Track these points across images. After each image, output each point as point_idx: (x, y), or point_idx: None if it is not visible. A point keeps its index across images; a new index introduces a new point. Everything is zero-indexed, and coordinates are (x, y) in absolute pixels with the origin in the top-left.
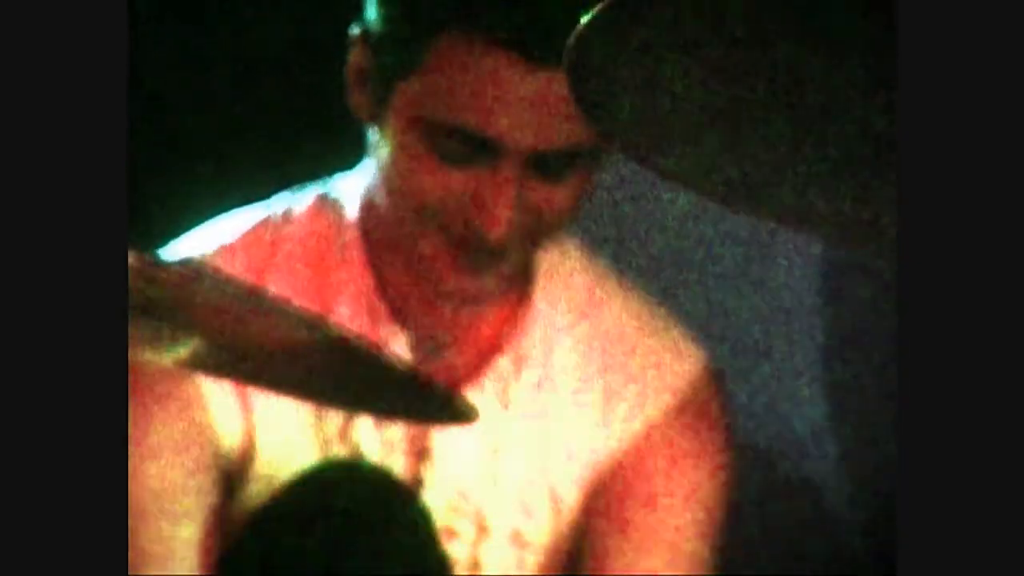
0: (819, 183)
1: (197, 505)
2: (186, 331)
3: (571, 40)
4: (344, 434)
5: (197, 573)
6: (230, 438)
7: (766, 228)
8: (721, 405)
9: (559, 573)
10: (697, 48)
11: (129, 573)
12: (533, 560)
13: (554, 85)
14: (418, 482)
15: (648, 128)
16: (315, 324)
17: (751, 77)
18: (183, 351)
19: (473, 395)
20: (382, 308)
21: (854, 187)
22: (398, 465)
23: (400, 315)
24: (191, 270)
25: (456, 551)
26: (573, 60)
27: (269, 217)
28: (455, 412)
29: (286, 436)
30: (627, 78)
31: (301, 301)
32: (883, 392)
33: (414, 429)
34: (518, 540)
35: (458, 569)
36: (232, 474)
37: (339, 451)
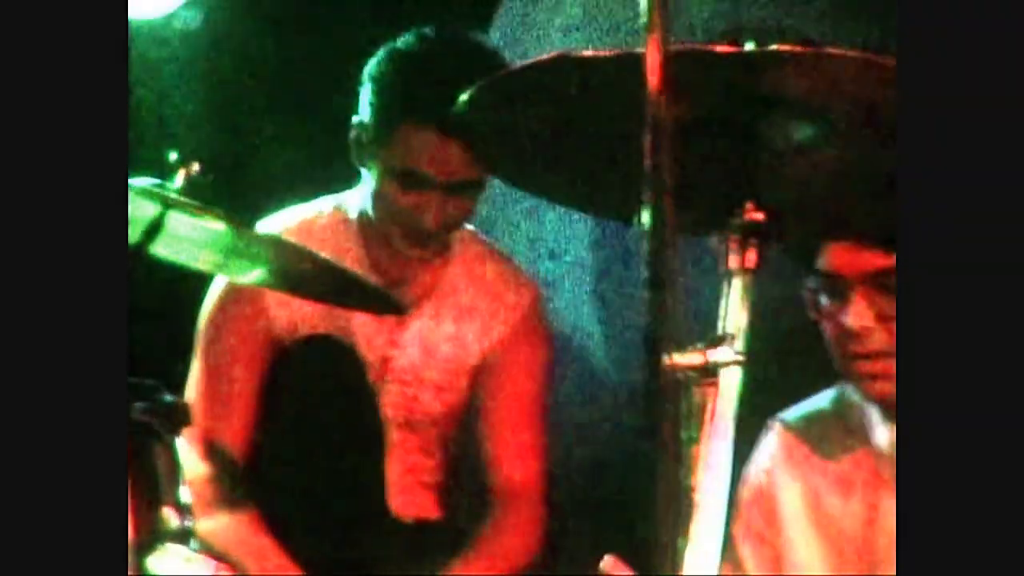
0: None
1: (251, 372)
2: (257, 263)
3: (458, 112)
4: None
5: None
6: (280, 324)
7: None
8: (546, 321)
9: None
10: (538, 110)
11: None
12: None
13: (458, 144)
14: (386, 359)
15: (512, 163)
16: (327, 263)
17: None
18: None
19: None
20: (367, 265)
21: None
22: (378, 347)
23: (379, 270)
24: (268, 237)
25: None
26: (463, 125)
27: (310, 213)
28: (398, 309)
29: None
30: (498, 134)
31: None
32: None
33: (391, 327)
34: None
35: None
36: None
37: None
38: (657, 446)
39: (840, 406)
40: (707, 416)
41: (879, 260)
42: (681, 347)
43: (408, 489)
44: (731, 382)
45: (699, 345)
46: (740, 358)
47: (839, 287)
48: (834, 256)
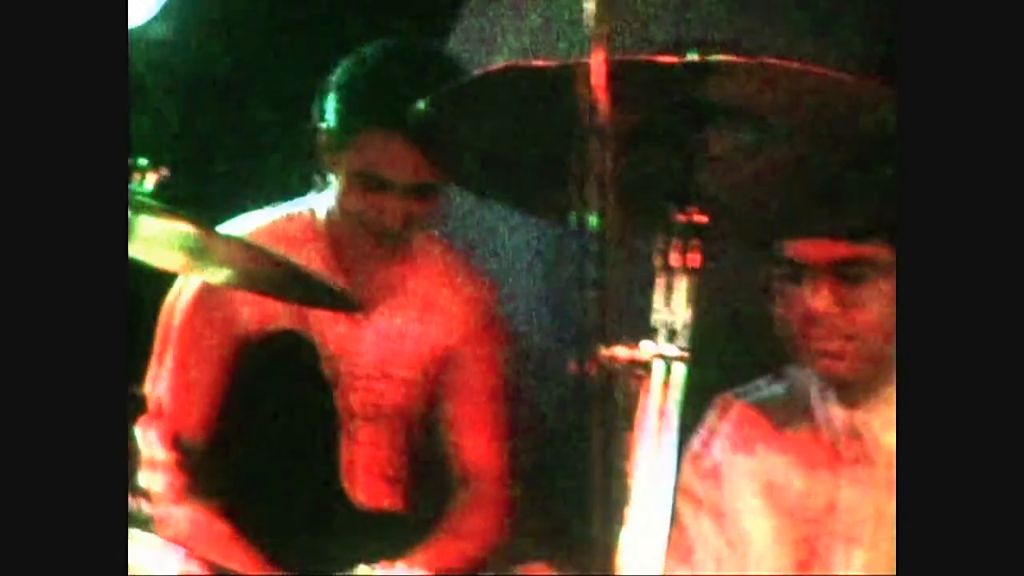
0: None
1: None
2: (223, 265)
3: (416, 118)
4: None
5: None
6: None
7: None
8: (503, 317)
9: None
10: (490, 117)
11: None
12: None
13: (418, 149)
14: (351, 355)
15: (465, 167)
16: (290, 263)
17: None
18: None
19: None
20: (335, 265)
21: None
22: (343, 343)
23: (345, 269)
24: (233, 239)
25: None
26: (421, 131)
27: (280, 215)
28: (357, 307)
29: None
30: (453, 139)
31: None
32: None
33: (356, 324)
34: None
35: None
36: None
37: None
38: (594, 435)
39: (792, 387)
40: (644, 406)
41: (841, 250)
42: (620, 341)
43: (372, 480)
44: (675, 375)
45: (636, 339)
46: (682, 353)
47: (802, 273)
48: (797, 244)
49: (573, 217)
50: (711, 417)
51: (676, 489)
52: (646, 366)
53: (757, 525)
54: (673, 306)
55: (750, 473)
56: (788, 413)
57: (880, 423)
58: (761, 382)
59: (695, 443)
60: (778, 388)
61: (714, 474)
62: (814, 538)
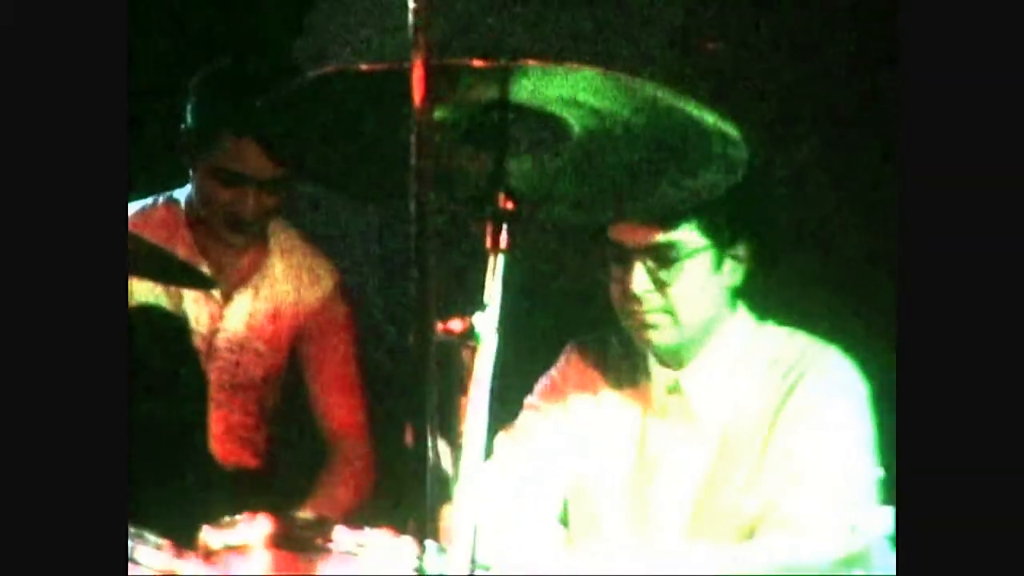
0: None
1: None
2: None
3: (258, 117)
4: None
5: None
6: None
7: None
8: (350, 294)
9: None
10: (324, 115)
11: None
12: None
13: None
14: (213, 331)
15: (305, 161)
16: (156, 247)
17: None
18: None
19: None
20: (196, 251)
21: None
22: (206, 321)
23: (205, 254)
24: None
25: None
26: (267, 130)
27: (147, 205)
28: (211, 285)
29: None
30: (293, 136)
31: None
32: None
33: (218, 304)
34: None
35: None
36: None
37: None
38: (428, 399)
39: (629, 344)
40: (470, 373)
41: (656, 235)
42: (449, 315)
43: (231, 442)
44: (489, 345)
45: (469, 313)
46: (495, 325)
47: (623, 255)
48: (619, 230)
49: (402, 204)
50: (561, 360)
51: (525, 411)
52: (476, 337)
53: (593, 461)
54: (492, 283)
55: (592, 409)
56: (627, 365)
57: (698, 383)
58: (607, 335)
59: (545, 380)
60: (617, 344)
61: (561, 402)
62: (645, 483)
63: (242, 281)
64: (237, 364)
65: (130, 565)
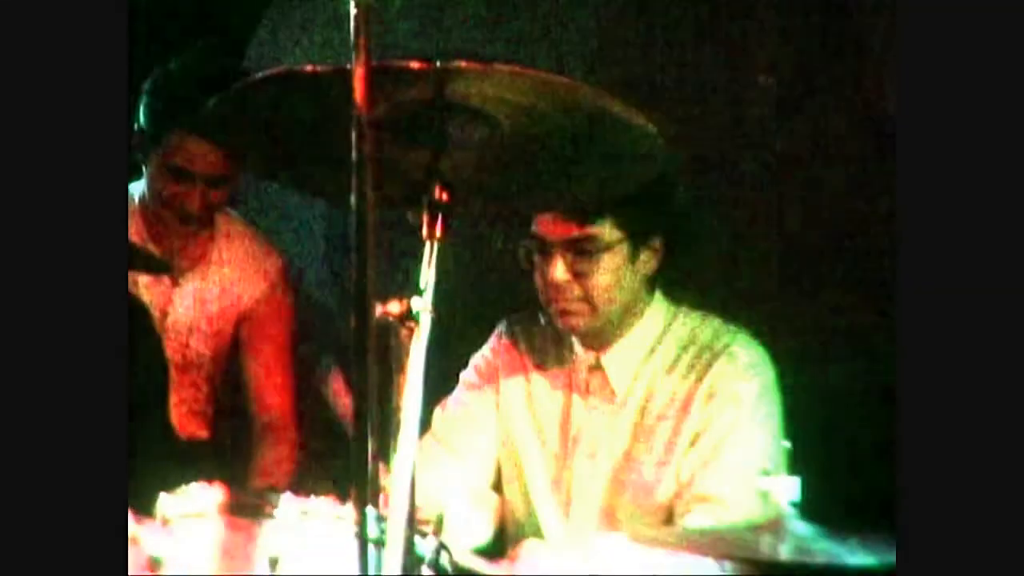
0: None
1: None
2: None
3: (208, 116)
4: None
5: None
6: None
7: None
8: (292, 282)
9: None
10: (272, 115)
11: None
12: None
13: (215, 145)
14: (165, 313)
15: (254, 157)
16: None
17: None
18: None
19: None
20: (149, 240)
21: None
22: (160, 303)
23: (157, 242)
24: None
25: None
26: (216, 129)
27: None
28: (165, 270)
29: None
30: (242, 135)
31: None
32: None
33: (169, 287)
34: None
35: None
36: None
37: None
38: (367, 376)
39: (550, 321)
40: (407, 352)
41: (575, 228)
42: (388, 297)
43: (184, 414)
44: (424, 326)
45: (407, 297)
46: (430, 308)
47: (546, 247)
48: (542, 223)
49: (343, 196)
50: (492, 338)
51: (459, 387)
52: (414, 319)
53: (522, 434)
54: (428, 269)
55: (519, 385)
56: (553, 344)
57: (616, 365)
58: (536, 314)
59: (478, 357)
60: (545, 323)
61: (493, 377)
62: (568, 456)
63: (190, 267)
64: (187, 344)
65: None
